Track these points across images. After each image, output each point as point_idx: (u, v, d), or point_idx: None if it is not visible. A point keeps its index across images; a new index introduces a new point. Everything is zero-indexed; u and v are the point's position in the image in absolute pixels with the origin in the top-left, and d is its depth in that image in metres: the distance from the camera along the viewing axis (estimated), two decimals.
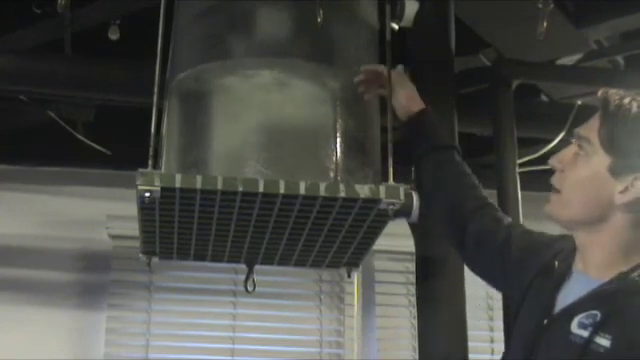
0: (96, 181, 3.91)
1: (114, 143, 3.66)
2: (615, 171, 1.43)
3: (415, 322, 2.83)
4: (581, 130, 1.49)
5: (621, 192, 1.42)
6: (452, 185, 1.93)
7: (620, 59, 3.20)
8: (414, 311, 3.38)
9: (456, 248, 1.92)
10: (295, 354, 3.93)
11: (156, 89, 1.93)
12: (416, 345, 2.61)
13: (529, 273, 1.61)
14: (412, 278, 3.45)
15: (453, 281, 2.49)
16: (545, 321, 1.46)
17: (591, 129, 1.47)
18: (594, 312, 1.38)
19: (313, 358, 3.97)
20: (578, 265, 1.50)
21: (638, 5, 2.73)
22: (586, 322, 1.38)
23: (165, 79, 2.05)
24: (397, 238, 2.67)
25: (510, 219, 1.85)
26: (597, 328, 1.35)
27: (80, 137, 3.59)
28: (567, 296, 1.47)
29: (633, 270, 1.41)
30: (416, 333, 2.59)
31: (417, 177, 1.98)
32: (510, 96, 3.07)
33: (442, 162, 1.96)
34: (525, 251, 1.69)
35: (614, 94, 1.46)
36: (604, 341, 1.34)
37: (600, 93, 1.49)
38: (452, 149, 1.99)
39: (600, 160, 1.44)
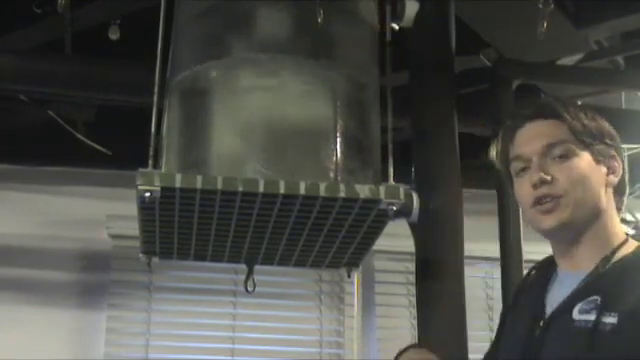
0: (96, 181, 3.91)
1: (114, 143, 3.66)
2: (598, 160, 1.50)
3: (415, 322, 2.83)
4: (550, 138, 1.50)
5: (608, 174, 1.50)
6: None
7: (620, 59, 3.20)
8: (414, 311, 3.37)
9: None
10: (295, 354, 3.92)
11: (156, 89, 1.94)
12: None
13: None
14: (412, 278, 3.44)
15: (453, 281, 2.49)
16: (541, 323, 1.47)
17: (559, 132, 1.50)
18: (593, 298, 1.41)
19: (313, 358, 3.96)
20: (563, 268, 1.52)
21: (638, 5, 2.73)
22: (587, 307, 1.40)
23: (165, 79, 2.05)
24: (397, 238, 2.67)
25: None
26: (602, 310, 1.38)
27: (80, 137, 3.58)
28: (556, 295, 1.49)
29: (614, 252, 1.46)
30: (416, 333, 2.59)
31: None
32: (510, 96, 3.07)
33: None
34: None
35: (548, 99, 1.60)
36: (610, 319, 1.36)
37: (547, 104, 1.56)
38: None
39: (585, 156, 1.49)
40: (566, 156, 1.49)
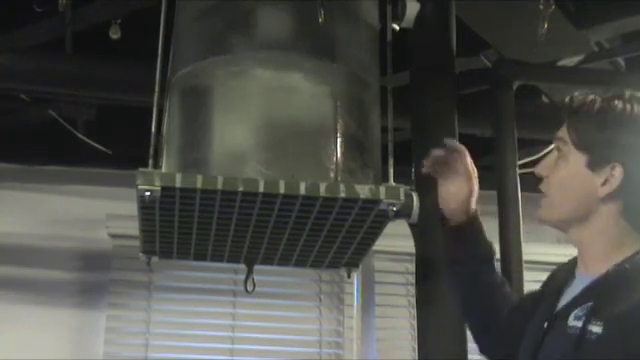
0: (96, 180, 3.91)
1: (115, 142, 3.66)
2: (592, 166, 1.47)
3: (415, 322, 2.83)
4: (558, 132, 1.54)
5: (602, 184, 1.46)
6: (487, 301, 1.78)
7: (621, 61, 3.20)
8: (414, 311, 3.38)
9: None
10: (295, 354, 3.92)
11: (157, 88, 1.94)
12: (415, 345, 2.61)
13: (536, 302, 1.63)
14: (412, 279, 3.44)
15: None
16: (546, 323, 1.49)
17: (563, 130, 1.52)
18: (589, 304, 1.41)
19: (313, 358, 3.97)
20: (580, 268, 1.53)
21: (639, 7, 2.73)
22: (580, 314, 1.41)
23: (166, 78, 2.05)
24: (397, 239, 2.67)
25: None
26: (589, 317, 1.38)
27: (81, 136, 3.59)
28: (567, 297, 1.50)
29: (626, 260, 1.43)
30: (416, 334, 2.59)
31: (452, 281, 1.84)
32: (511, 97, 3.06)
33: (480, 275, 1.79)
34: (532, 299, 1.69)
35: (578, 95, 1.53)
36: (596, 328, 1.36)
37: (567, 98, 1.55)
38: (491, 261, 1.83)
39: (576, 159, 1.49)
40: (564, 155, 1.50)
